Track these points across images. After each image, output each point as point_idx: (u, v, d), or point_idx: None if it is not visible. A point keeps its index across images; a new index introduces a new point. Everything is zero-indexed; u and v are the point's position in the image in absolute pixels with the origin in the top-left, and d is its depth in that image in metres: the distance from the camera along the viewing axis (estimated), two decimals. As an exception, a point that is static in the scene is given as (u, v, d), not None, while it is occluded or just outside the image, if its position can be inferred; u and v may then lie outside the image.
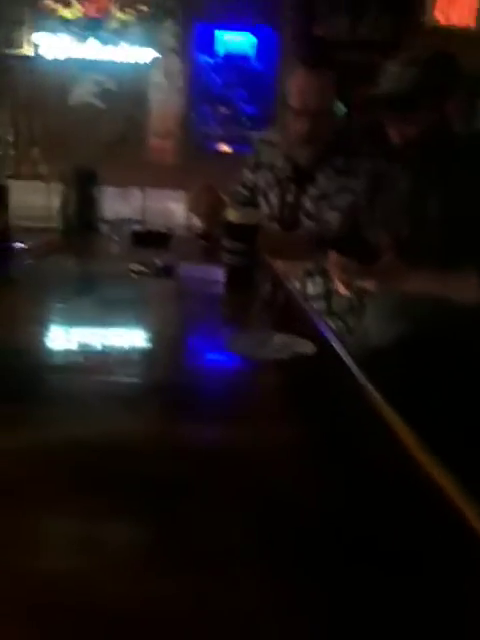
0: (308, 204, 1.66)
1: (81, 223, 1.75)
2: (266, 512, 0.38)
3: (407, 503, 0.40)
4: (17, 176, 3.66)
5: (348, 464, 0.46)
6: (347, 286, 1.23)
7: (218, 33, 3.46)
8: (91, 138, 3.59)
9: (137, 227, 1.71)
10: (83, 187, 1.79)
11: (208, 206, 1.46)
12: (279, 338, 0.75)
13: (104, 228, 1.84)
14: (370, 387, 0.60)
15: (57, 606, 0.28)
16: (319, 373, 0.66)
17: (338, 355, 0.70)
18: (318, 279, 1.68)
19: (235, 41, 3.48)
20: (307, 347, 0.72)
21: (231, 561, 0.33)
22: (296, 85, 1.59)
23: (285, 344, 0.73)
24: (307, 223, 1.66)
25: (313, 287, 1.71)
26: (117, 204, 3.57)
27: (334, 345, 0.74)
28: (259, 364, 0.67)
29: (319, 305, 1.70)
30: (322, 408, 0.58)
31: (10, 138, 3.65)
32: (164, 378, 0.63)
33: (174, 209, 3.62)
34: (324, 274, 1.57)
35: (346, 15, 3.41)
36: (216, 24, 3.45)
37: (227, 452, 0.48)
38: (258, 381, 0.65)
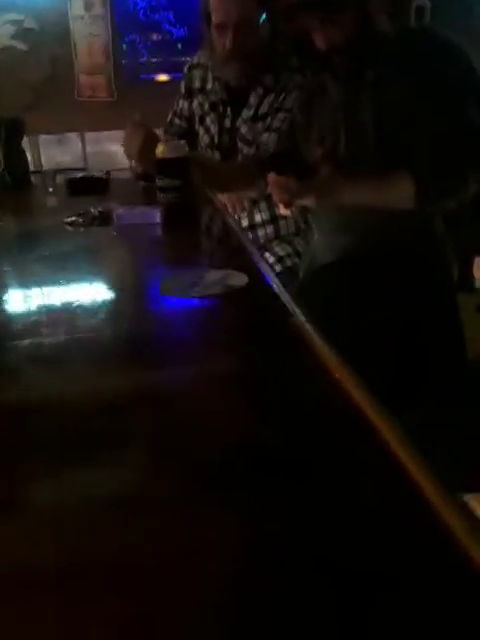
0: (243, 128, 1.61)
1: (12, 177, 1.67)
2: (207, 447, 0.40)
3: (338, 430, 0.42)
4: None
5: (281, 395, 0.47)
6: (288, 205, 1.22)
7: None
8: (17, 84, 3.35)
9: (72, 175, 1.64)
10: (10, 139, 1.70)
11: (141, 144, 1.40)
12: (213, 274, 0.75)
13: (38, 180, 1.76)
14: (300, 316, 0.60)
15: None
16: (251, 305, 0.67)
17: (269, 285, 0.70)
18: (263, 205, 1.66)
19: (153, -43, 3.20)
20: (240, 280, 0.72)
21: (185, 498, 0.34)
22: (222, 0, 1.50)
23: (218, 280, 0.73)
24: (245, 149, 1.62)
25: (259, 214, 1.70)
26: (56, 152, 3.40)
27: (266, 275, 0.74)
28: (192, 302, 0.67)
29: (267, 231, 1.69)
30: (255, 340, 0.58)
31: None
32: (91, 333, 0.63)
33: (115, 151, 3.46)
34: (268, 199, 1.55)
35: None
36: None
37: (165, 394, 0.49)
38: (189, 320, 0.66)
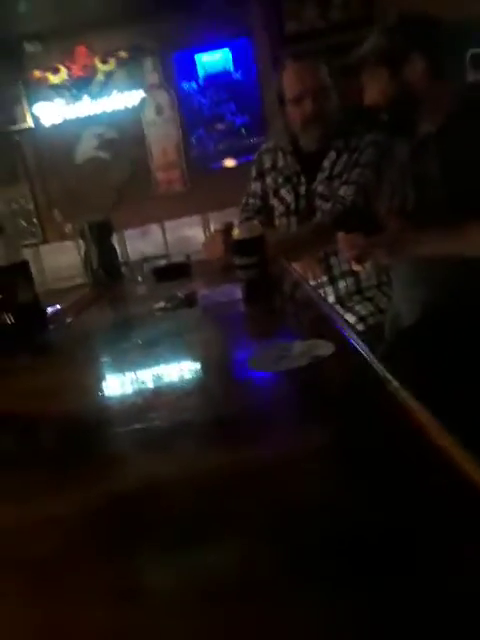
0: (320, 187, 1.69)
1: (106, 273, 1.83)
2: (309, 528, 0.39)
3: (448, 505, 0.40)
4: (45, 241, 3.85)
5: (382, 467, 0.46)
6: (358, 261, 1.23)
7: (196, 57, 3.53)
8: (103, 188, 3.73)
9: (156, 263, 1.76)
10: (101, 239, 1.87)
11: (221, 247, 1.54)
12: (299, 345, 0.76)
13: (127, 271, 1.91)
14: (393, 381, 0.60)
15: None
16: (341, 374, 0.67)
17: (357, 352, 0.70)
18: (337, 260, 1.70)
19: (213, 60, 3.53)
20: (327, 349, 0.73)
21: (277, 588, 0.34)
22: (289, 76, 1.65)
23: (305, 351, 0.74)
24: (323, 205, 1.69)
25: (338, 267, 1.72)
26: (140, 244, 3.68)
27: (353, 341, 0.74)
28: (281, 376, 0.68)
29: (348, 283, 1.71)
30: (349, 410, 0.58)
31: (30, 207, 3.85)
32: (195, 414, 0.66)
33: (192, 235, 3.69)
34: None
35: (314, 5, 3.40)
36: (192, 50, 3.52)
37: (263, 472, 0.49)
38: (281, 394, 0.66)
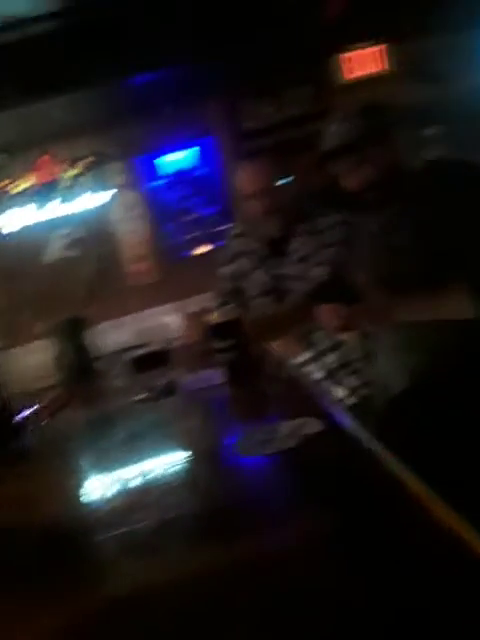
0: (291, 270, 1.74)
1: (81, 369, 1.79)
2: (311, 621, 0.36)
3: (456, 585, 0.37)
4: (13, 345, 3.80)
5: (382, 549, 0.43)
6: (342, 330, 1.24)
7: (161, 156, 3.73)
8: (74, 286, 3.76)
9: (133, 353, 1.74)
10: (74, 336, 1.86)
11: (199, 330, 1.55)
12: (286, 426, 0.74)
13: (103, 366, 1.88)
14: (385, 455, 0.58)
15: None
16: (330, 452, 0.64)
17: (345, 428, 0.68)
18: (322, 334, 1.70)
19: (177, 159, 3.74)
20: (314, 426, 0.71)
21: None
22: (241, 176, 1.76)
23: (292, 431, 0.71)
24: (296, 286, 1.72)
25: (322, 343, 1.73)
26: (115, 336, 3.66)
27: (340, 417, 0.72)
28: (270, 460, 0.66)
29: (333, 358, 1.70)
30: (342, 490, 0.55)
31: (-3, 312, 3.82)
32: (183, 506, 0.62)
33: (169, 322, 3.70)
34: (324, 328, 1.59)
35: (268, 102, 3.69)
36: (157, 152, 3.73)
37: (260, 565, 0.46)
38: (271, 479, 0.63)
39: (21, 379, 3.46)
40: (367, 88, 3.50)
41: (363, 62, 3.62)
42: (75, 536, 0.62)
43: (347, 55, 3.58)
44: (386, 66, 3.60)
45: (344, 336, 1.30)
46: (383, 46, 3.59)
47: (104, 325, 3.70)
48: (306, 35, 3.05)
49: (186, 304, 3.72)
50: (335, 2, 2.79)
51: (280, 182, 1.75)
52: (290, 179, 1.79)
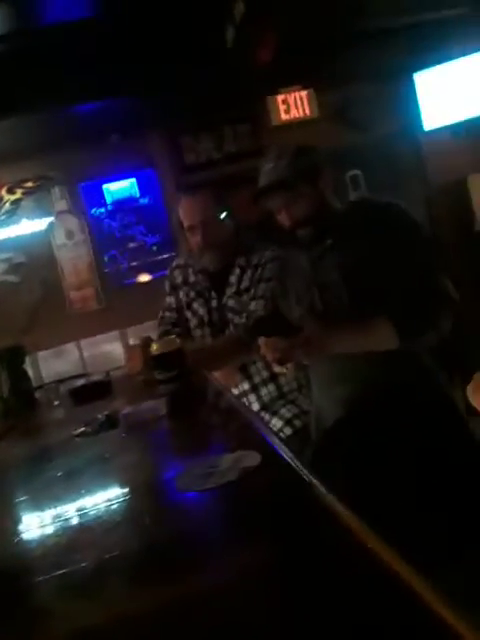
0: (230, 302, 1.78)
1: (19, 400, 1.74)
2: None
3: (382, 607, 0.40)
4: None
5: (319, 579, 0.46)
6: (281, 363, 1.28)
7: (103, 185, 3.73)
8: (13, 311, 3.65)
9: (73, 384, 1.71)
10: (12, 365, 1.80)
11: (141, 361, 1.55)
12: (225, 460, 0.76)
13: (42, 395, 1.83)
14: (319, 486, 0.61)
15: None
16: (268, 484, 0.67)
17: (283, 459, 0.71)
18: (260, 365, 1.75)
19: (120, 187, 3.75)
20: (253, 459, 0.73)
21: None
22: (182, 209, 1.80)
23: (232, 464, 0.73)
24: (236, 319, 1.76)
25: (258, 375, 1.77)
26: (55, 364, 3.57)
27: (278, 449, 0.75)
28: (211, 494, 0.67)
29: (270, 389, 1.75)
30: (279, 522, 0.58)
31: None
32: (124, 547, 0.62)
33: (111, 350, 3.65)
34: (263, 360, 1.63)
35: (208, 137, 3.80)
36: (99, 180, 3.72)
37: (203, 601, 0.47)
38: (211, 514, 0.65)
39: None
40: (299, 129, 3.69)
41: (294, 105, 3.82)
42: (9, 580, 0.60)
43: (280, 97, 3.77)
44: (314, 110, 3.82)
45: (281, 368, 1.35)
46: (311, 91, 3.81)
47: (45, 353, 3.60)
48: (241, 76, 3.19)
49: (129, 332, 3.70)
50: (266, 48, 2.95)
51: (220, 216, 1.80)
52: (229, 213, 1.84)
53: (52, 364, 3.57)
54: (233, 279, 1.80)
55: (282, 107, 3.78)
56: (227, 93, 3.35)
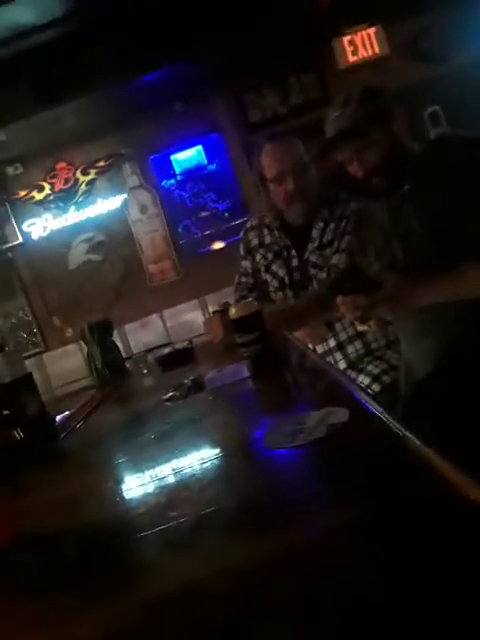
0: (313, 257, 1.72)
1: (111, 370, 1.83)
2: (344, 609, 0.37)
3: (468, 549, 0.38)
4: (47, 349, 3.89)
5: (418, 536, 0.44)
6: (363, 321, 1.24)
7: (172, 156, 3.75)
8: (99, 288, 3.83)
9: (159, 353, 1.77)
10: (102, 338, 1.90)
11: (221, 328, 1.55)
12: (313, 417, 0.75)
13: (132, 366, 1.91)
14: (414, 440, 0.58)
15: None
16: (359, 440, 0.65)
17: (373, 415, 0.69)
18: (346, 323, 1.70)
19: (188, 156, 3.75)
20: (342, 415, 0.71)
21: None
22: (268, 156, 1.70)
23: (320, 420, 0.72)
24: (318, 274, 1.71)
25: (344, 332, 1.72)
26: (142, 335, 3.72)
27: (367, 405, 0.73)
28: (300, 451, 0.67)
29: (357, 346, 1.70)
30: (368, 478, 0.56)
31: (29, 318, 3.93)
32: (217, 501, 0.63)
33: (192, 319, 3.74)
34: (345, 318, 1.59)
35: (273, 94, 3.68)
36: (167, 150, 3.75)
37: (297, 557, 0.47)
38: (302, 471, 0.64)
39: (58, 382, 3.57)
40: (368, 70, 3.46)
41: (361, 45, 3.59)
42: (115, 537, 0.64)
43: (346, 39, 3.55)
44: (384, 48, 3.56)
45: (363, 326, 1.30)
46: (379, 28, 3.55)
47: (131, 325, 3.76)
48: (303, 21, 3.02)
49: (207, 300, 3.76)
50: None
51: (309, 164, 1.71)
52: (310, 164, 1.75)
53: (139, 335, 3.72)
54: (316, 233, 1.74)
55: (349, 49, 3.58)
56: (289, 42, 3.22)
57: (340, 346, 1.74)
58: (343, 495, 0.54)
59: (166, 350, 1.88)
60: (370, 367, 1.66)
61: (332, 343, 1.75)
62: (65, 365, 3.74)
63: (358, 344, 1.72)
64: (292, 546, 0.49)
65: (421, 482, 0.50)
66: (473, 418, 1.05)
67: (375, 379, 1.62)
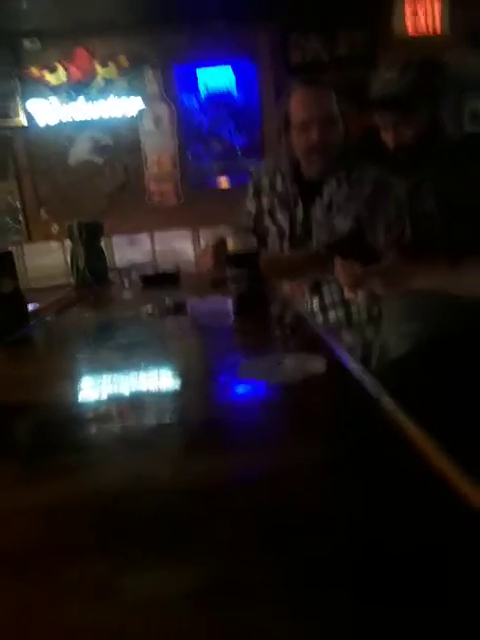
0: (318, 214, 1.69)
1: (93, 275, 1.80)
2: (291, 538, 0.38)
3: (429, 512, 0.39)
4: (29, 240, 3.79)
5: (369, 479, 0.45)
6: (352, 288, 1.24)
7: (199, 72, 3.57)
8: (94, 192, 3.71)
9: (145, 271, 1.74)
10: (90, 241, 1.85)
11: (214, 259, 1.53)
12: (292, 360, 0.75)
13: (115, 276, 1.88)
14: (385, 399, 0.59)
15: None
16: (330, 390, 0.66)
17: (349, 370, 0.69)
18: (334, 287, 1.69)
19: (216, 78, 3.58)
20: (320, 365, 0.72)
21: (263, 593, 0.33)
22: (298, 101, 1.62)
23: (298, 365, 0.73)
24: (318, 233, 1.69)
25: (331, 296, 1.72)
26: (127, 251, 3.65)
27: (345, 360, 0.73)
28: (273, 388, 0.67)
29: (338, 314, 1.70)
30: (339, 425, 0.57)
31: (17, 205, 3.79)
32: (178, 417, 0.64)
33: (182, 247, 3.68)
34: (336, 283, 1.58)
35: (320, 38, 3.50)
36: (195, 64, 3.56)
37: (239, 482, 0.48)
38: (272, 405, 0.65)
39: (34, 276, 3.50)
40: (422, 46, 3.31)
41: (423, 17, 3.42)
42: (71, 423, 0.63)
43: (409, 7, 3.37)
44: (445, 27, 3.40)
45: (350, 294, 1.29)
46: (445, 3, 3.37)
47: (119, 239, 3.68)
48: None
49: (201, 234, 3.70)
50: None
51: (338, 117, 1.63)
52: (339, 118, 1.67)
53: (125, 251, 3.65)
54: (326, 192, 1.70)
55: (409, 18, 3.40)
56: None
57: (323, 309, 1.74)
58: (309, 436, 0.55)
59: (151, 269, 1.85)
60: (346, 337, 1.68)
61: (316, 305, 1.75)
62: (45, 260, 3.66)
63: (340, 311, 1.73)
64: (248, 470, 0.49)
65: (390, 441, 0.52)
66: (443, 406, 1.07)
67: (347, 350, 1.64)
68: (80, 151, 3.79)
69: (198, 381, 0.76)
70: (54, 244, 3.72)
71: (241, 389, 0.69)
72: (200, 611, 0.31)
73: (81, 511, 0.42)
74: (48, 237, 3.76)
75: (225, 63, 3.53)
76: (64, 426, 0.62)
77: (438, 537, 0.37)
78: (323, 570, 0.34)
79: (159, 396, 0.70)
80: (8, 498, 0.46)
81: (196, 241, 3.68)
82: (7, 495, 0.47)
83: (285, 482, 0.46)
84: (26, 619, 0.31)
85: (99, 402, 0.70)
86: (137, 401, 0.69)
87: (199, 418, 0.63)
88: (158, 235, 3.74)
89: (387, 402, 0.58)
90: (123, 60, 3.61)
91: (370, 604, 0.31)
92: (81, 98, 3.64)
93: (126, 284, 1.75)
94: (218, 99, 3.57)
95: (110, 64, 3.64)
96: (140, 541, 0.38)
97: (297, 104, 1.62)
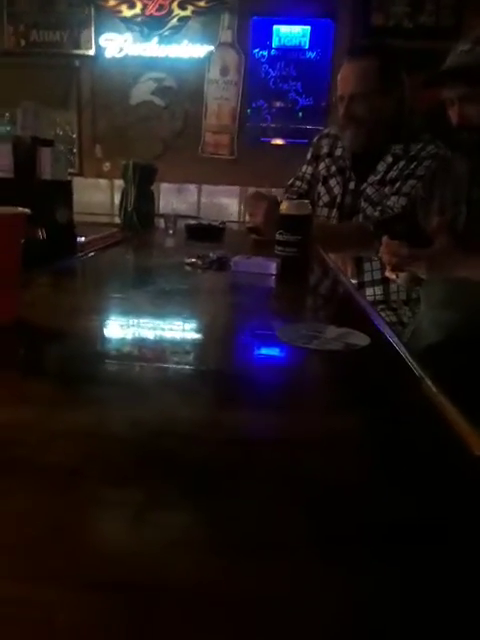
0: (370, 190, 1.65)
1: (139, 218, 1.80)
2: (315, 500, 0.38)
3: (462, 490, 0.39)
4: (81, 174, 3.80)
5: (402, 454, 0.45)
6: (395, 269, 1.21)
7: (275, 29, 3.43)
8: (151, 135, 3.67)
9: (191, 221, 1.73)
10: (142, 183, 1.84)
11: (267, 214, 1.50)
12: (333, 330, 0.74)
13: (160, 222, 1.88)
14: (427, 381, 0.58)
15: (114, 585, 0.28)
16: (373, 365, 0.65)
17: (394, 348, 0.68)
18: (375, 264, 1.66)
19: (290, 33, 3.44)
20: (362, 340, 0.71)
21: (281, 546, 0.33)
22: (340, 74, 1.64)
23: (339, 336, 0.72)
24: (368, 209, 1.65)
25: (370, 273, 1.70)
26: (174, 199, 3.63)
27: (389, 338, 0.72)
28: (311, 354, 0.67)
29: (376, 291, 1.68)
30: (376, 399, 0.56)
31: (73, 137, 3.79)
32: (216, 367, 0.64)
33: (227, 204, 3.64)
34: (379, 261, 1.55)
35: (405, 3, 3.31)
36: (272, 17, 3.42)
37: (277, 440, 0.48)
38: (309, 371, 0.65)
39: (81, 211, 3.52)
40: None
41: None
42: (106, 358, 0.64)
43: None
44: None
45: (392, 274, 1.26)
46: None
47: (166, 186, 3.65)
48: None
49: (249, 191, 3.64)
50: None
51: (383, 91, 1.59)
52: (401, 92, 1.62)
53: (170, 198, 3.63)
54: (381, 167, 1.65)
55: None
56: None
57: (361, 285, 1.71)
58: (344, 405, 0.54)
59: (197, 221, 1.84)
60: (382, 314, 1.65)
61: (354, 281, 1.72)
62: (93, 197, 3.67)
63: (378, 289, 1.70)
64: (280, 428, 0.49)
65: (428, 418, 0.51)
66: (476, 401, 1.05)
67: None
68: (143, 91, 3.73)
69: (237, 337, 0.76)
70: (103, 182, 3.72)
71: (281, 351, 0.69)
72: (233, 561, 0.31)
73: (120, 441, 0.43)
74: (99, 175, 3.76)
75: (302, 20, 3.38)
76: (99, 359, 0.63)
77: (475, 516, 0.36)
78: (355, 530, 0.34)
79: (198, 345, 0.70)
80: (47, 419, 0.47)
81: (243, 199, 3.63)
82: (45, 416, 0.48)
83: (324, 444, 0.45)
84: (59, 536, 0.32)
85: (136, 342, 0.71)
86: (176, 346, 0.69)
87: (235, 373, 0.63)
88: (206, 188, 3.70)
89: (427, 382, 0.57)
90: (202, 1, 3.50)
91: (395, 561, 0.31)
92: (153, 36, 3.56)
93: (171, 232, 1.75)
94: (289, 55, 3.44)
95: (187, 5, 3.53)
96: (177, 482, 0.38)
97: (340, 77, 1.64)
